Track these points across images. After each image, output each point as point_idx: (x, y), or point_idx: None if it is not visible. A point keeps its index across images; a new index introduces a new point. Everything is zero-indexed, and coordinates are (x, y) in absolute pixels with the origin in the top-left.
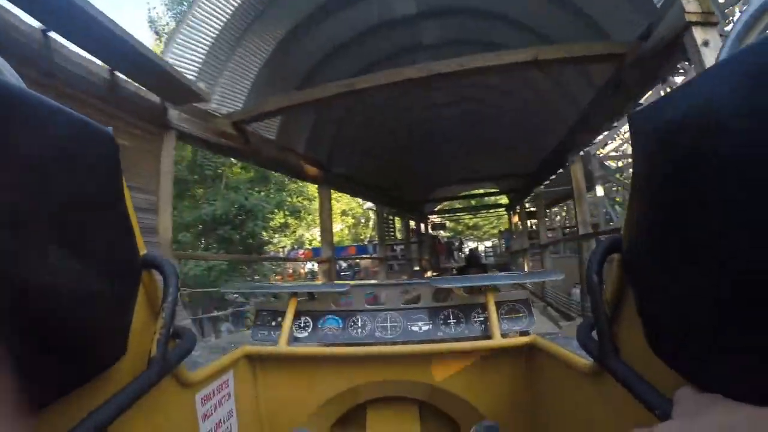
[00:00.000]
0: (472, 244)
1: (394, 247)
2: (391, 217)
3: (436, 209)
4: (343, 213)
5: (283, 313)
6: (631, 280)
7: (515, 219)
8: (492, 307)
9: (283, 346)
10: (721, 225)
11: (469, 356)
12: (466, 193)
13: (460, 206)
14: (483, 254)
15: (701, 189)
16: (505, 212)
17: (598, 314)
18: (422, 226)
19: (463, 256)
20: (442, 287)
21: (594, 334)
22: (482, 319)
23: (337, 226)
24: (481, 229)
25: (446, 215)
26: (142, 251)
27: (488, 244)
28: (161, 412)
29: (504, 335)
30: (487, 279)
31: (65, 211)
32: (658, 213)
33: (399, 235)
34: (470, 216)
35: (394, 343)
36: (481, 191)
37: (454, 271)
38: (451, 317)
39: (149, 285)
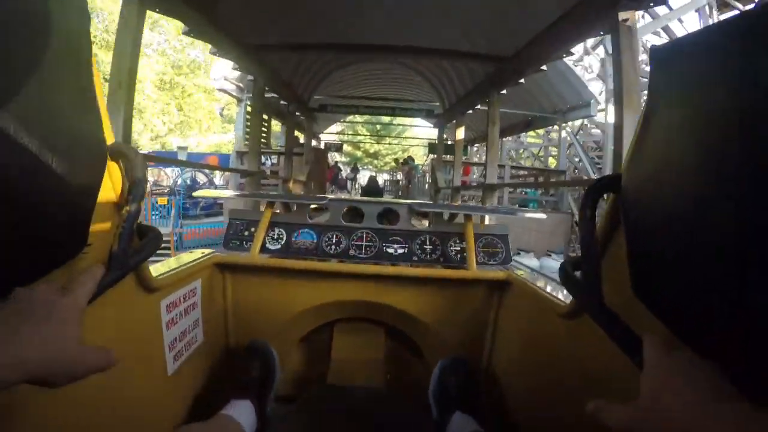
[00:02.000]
0: (365, 175)
1: (264, 159)
2: (265, 118)
3: (332, 105)
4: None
5: (256, 223)
6: (626, 218)
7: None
8: (470, 238)
9: (254, 257)
10: (734, 172)
11: (442, 285)
12: (380, 99)
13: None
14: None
15: (718, 133)
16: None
17: (587, 252)
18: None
19: (357, 187)
20: (421, 211)
21: (577, 274)
22: (459, 248)
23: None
24: (382, 159)
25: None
26: (110, 140)
27: (386, 177)
28: (123, 315)
29: (479, 268)
30: (468, 208)
31: (28, 83)
32: (671, 150)
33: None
34: (372, 140)
35: (368, 263)
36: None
37: None
38: (428, 243)
39: (115, 177)
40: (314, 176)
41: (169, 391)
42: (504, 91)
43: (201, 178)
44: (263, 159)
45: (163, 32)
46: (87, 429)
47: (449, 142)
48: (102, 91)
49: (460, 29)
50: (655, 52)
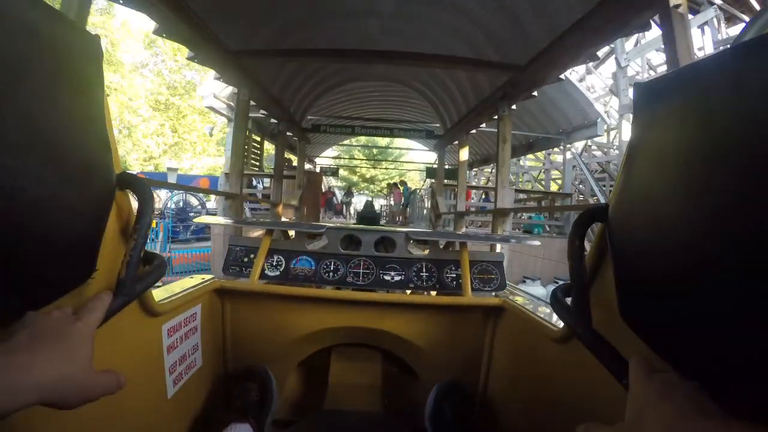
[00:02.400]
0: (361, 200)
1: (255, 182)
2: (257, 139)
3: (325, 125)
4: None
5: (255, 250)
6: (613, 246)
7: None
8: (465, 265)
9: (253, 283)
10: (717, 203)
11: (438, 311)
12: (376, 120)
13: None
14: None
15: (699, 167)
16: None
17: (577, 279)
18: (304, 163)
19: (353, 212)
20: (417, 239)
21: (568, 300)
22: (455, 275)
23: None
24: (379, 183)
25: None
26: (118, 170)
27: (383, 202)
28: (126, 338)
29: (474, 294)
30: (463, 236)
31: (42, 113)
32: (654, 182)
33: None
34: (368, 165)
35: (365, 290)
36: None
37: None
38: (424, 270)
39: (123, 206)
40: (307, 201)
41: (168, 414)
42: (514, 107)
43: (193, 201)
44: (255, 182)
45: (159, 52)
46: None
47: (447, 166)
48: (111, 120)
49: (467, 36)
50: (638, 88)
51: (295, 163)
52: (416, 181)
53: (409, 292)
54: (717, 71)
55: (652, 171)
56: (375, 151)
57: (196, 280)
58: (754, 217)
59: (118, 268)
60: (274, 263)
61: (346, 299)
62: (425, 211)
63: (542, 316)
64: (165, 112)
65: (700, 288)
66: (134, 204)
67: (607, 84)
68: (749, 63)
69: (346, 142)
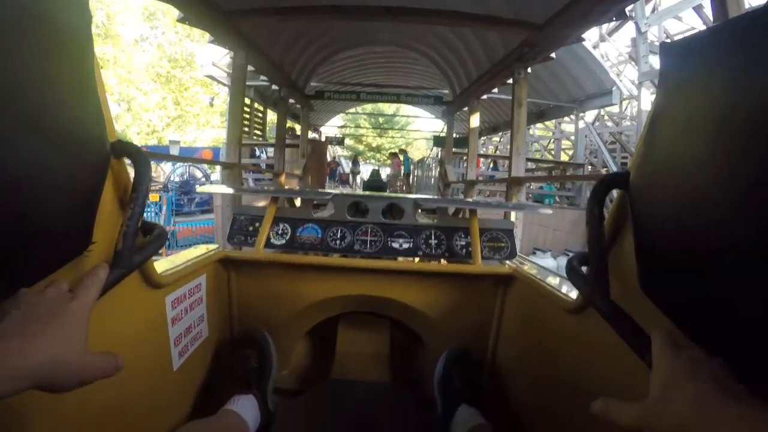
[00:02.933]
0: (368, 169)
1: (258, 151)
2: (260, 108)
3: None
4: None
5: (260, 218)
6: (634, 215)
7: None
8: (475, 232)
9: (259, 252)
10: (745, 170)
11: (447, 279)
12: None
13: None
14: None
15: (726, 132)
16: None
17: (595, 247)
18: (310, 133)
19: (359, 181)
20: (426, 206)
21: (584, 269)
22: (464, 243)
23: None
24: (386, 152)
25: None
26: (113, 137)
27: (389, 171)
28: (129, 311)
29: (484, 262)
30: (473, 203)
31: (28, 81)
32: (681, 151)
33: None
34: (375, 133)
35: (373, 258)
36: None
37: None
38: (433, 237)
39: (120, 175)
40: (312, 170)
41: (174, 387)
42: (530, 69)
43: (197, 173)
44: (258, 152)
45: (159, 25)
46: (94, 425)
47: (456, 135)
48: (104, 87)
49: None
50: (665, 49)
51: (298, 132)
52: (423, 149)
53: (417, 260)
54: (757, 28)
55: (678, 138)
56: (381, 119)
57: (200, 250)
58: None
59: (115, 239)
60: (280, 231)
61: (353, 267)
62: (433, 180)
63: (554, 285)
64: (167, 84)
65: (727, 264)
66: (132, 173)
67: (622, 52)
68: None
69: (352, 110)
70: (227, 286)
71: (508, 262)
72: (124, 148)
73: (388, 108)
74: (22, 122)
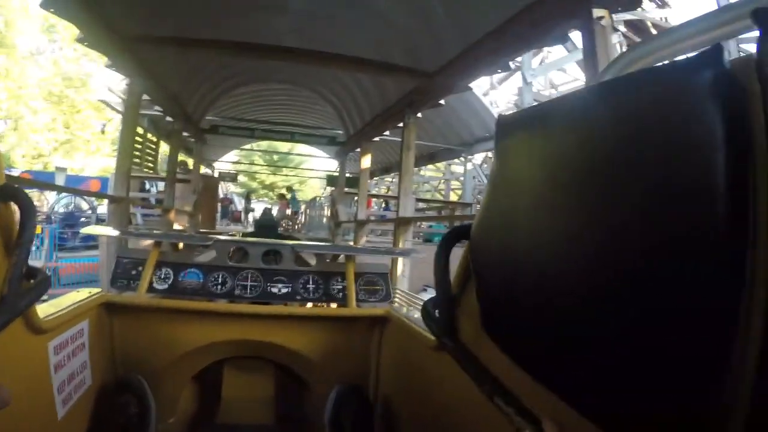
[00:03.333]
0: (261, 207)
1: (149, 185)
2: (152, 139)
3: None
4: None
5: (143, 262)
6: (474, 263)
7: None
8: (351, 277)
9: (141, 296)
10: (553, 224)
11: (326, 322)
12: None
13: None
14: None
15: (537, 191)
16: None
17: (442, 294)
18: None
19: (251, 219)
20: (303, 252)
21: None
22: (341, 287)
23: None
24: (279, 191)
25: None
26: (1, 181)
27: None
28: (10, 357)
29: (360, 305)
30: (349, 249)
31: None
32: (507, 205)
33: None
34: (269, 170)
35: (253, 303)
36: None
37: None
38: (311, 282)
39: (6, 218)
40: (203, 207)
41: None
42: (420, 114)
43: (83, 205)
44: (149, 185)
45: (57, 39)
46: None
47: (348, 175)
48: None
49: (378, 39)
50: (498, 121)
51: (191, 166)
52: (317, 189)
53: (297, 304)
54: (567, 109)
55: (506, 194)
56: (276, 157)
57: (82, 294)
58: (593, 238)
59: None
60: (163, 276)
61: (234, 312)
62: (325, 220)
63: (422, 326)
64: (58, 105)
65: (546, 303)
66: (17, 216)
67: (511, 100)
68: (595, 103)
69: (247, 147)
70: (110, 330)
71: (382, 303)
72: (11, 193)
73: (283, 146)
74: None
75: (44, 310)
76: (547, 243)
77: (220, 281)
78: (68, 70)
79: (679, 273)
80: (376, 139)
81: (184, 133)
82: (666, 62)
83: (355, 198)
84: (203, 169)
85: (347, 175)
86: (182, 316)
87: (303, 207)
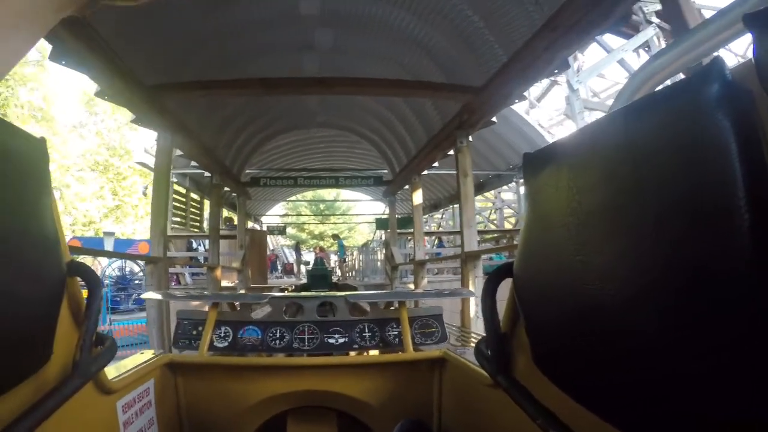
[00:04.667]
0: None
1: (195, 244)
2: (196, 198)
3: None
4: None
5: (203, 322)
6: (520, 299)
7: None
8: (405, 322)
9: (203, 355)
10: (589, 258)
11: (383, 368)
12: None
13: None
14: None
15: (570, 224)
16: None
17: (490, 333)
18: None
19: (303, 270)
20: (356, 302)
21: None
22: (396, 332)
23: None
24: (329, 239)
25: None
26: (67, 258)
27: (334, 257)
28: (82, 419)
29: (417, 348)
30: (401, 295)
31: None
32: (541, 238)
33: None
34: (317, 220)
35: (312, 355)
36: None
37: (290, 289)
38: (366, 330)
39: (73, 291)
40: (252, 262)
41: None
42: (471, 138)
43: (135, 267)
44: (195, 244)
45: (98, 111)
46: None
47: (398, 215)
48: (59, 213)
49: (412, 62)
50: (525, 159)
51: (236, 222)
52: (366, 234)
53: (354, 353)
54: (587, 140)
55: (541, 229)
56: (322, 206)
57: (147, 355)
58: (627, 269)
59: (72, 351)
60: (222, 334)
61: (293, 365)
62: (379, 264)
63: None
64: (105, 173)
65: (595, 334)
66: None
67: (552, 116)
68: (614, 132)
69: (293, 198)
70: (174, 388)
71: (439, 345)
72: (77, 268)
73: (329, 194)
74: None
75: (112, 371)
76: (587, 275)
77: (278, 336)
78: (111, 139)
79: (720, 295)
80: (426, 172)
81: (225, 189)
82: (671, 82)
83: (409, 237)
84: (250, 224)
85: (397, 215)
86: (243, 372)
87: (356, 253)
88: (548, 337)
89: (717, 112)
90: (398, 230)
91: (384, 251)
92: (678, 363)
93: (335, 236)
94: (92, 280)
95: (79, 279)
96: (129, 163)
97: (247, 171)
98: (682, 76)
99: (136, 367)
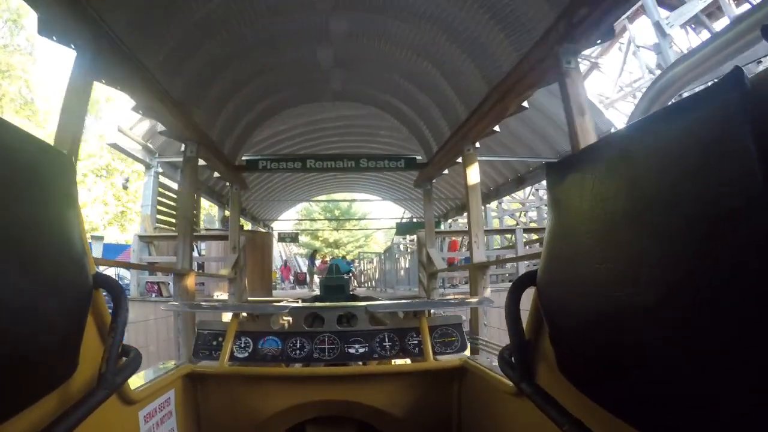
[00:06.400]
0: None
1: (198, 246)
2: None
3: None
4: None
5: (223, 333)
6: (543, 307)
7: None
8: (425, 331)
9: (223, 366)
10: (613, 264)
11: (403, 377)
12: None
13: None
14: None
15: (603, 232)
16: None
17: (515, 340)
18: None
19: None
20: (377, 312)
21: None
22: (417, 341)
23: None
24: (343, 247)
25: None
26: (93, 270)
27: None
28: (106, 429)
29: (437, 357)
30: (421, 305)
31: (21, 230)
32: (565, 246)
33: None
34: (332, 226)
35: (332, 365)
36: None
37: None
38: (387, 340)
39: (98, 303)
40: (253, 270)
41: None
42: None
43: (122, 272)
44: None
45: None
46: None
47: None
48: (84, 225)
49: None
50: (549, 168)
51: (243, 224)
52: (381, 244)
53: (375, 362)
54: (612, 149)
55: (566, 238)
56: (337, 212)
57: (168, 365)
58: (650, 276)
59: (98, 362)
60: (242, 345)
61: (313, 375)
62: (402, 272)
63: (500, 373)
64: (108, 178)
65: (621, 340)
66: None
67: (622, 85)
68: (638, 141)
69: (306, 205)
70: (195, 398)
71: (459, 354)
72: (103, 281)
73: (344, 202)
74: (16, 265)
75: (132, 382)
76: (612, 281)
77: (298, 346)
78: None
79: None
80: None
81: (216, 175)
82: (692, 92)
83: (445, 239)
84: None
85: (413, 219)
86: (264, 382)
87: (375, 261)
88: (573, 344)
89: (740, 119)
90: (411, 237)
91: (408, 257)
92: (709, 370)
93: (343, 258)
94: (118, 292)
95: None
96: (134, 167)
97: (245, 158)
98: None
99: (157, 377)
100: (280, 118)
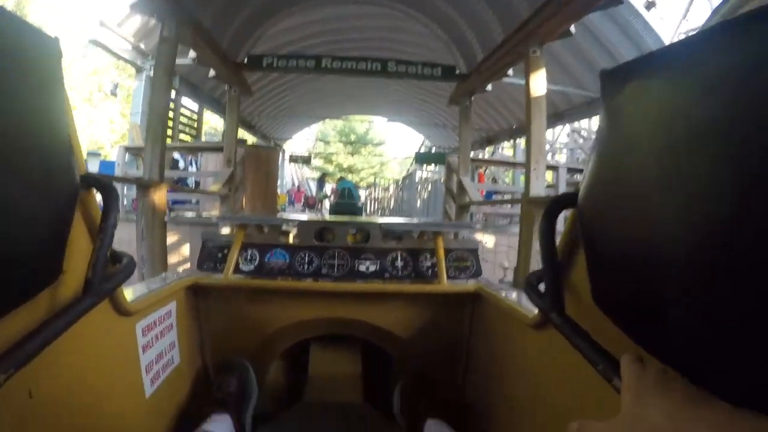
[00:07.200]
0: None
1: (181, 161)
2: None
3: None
4: None
5: (229, 245)
6: (584, 232)
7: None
8: (441, 253)
9: (228, 278)
10: (687, 191)
11: (414, 299)
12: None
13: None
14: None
15: (668, 152)
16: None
17: (548, 265)
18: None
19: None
20: (392, 230)
21: (542, 286)
22: (430, 264)
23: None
24: (357, 173)
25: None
26: (83, 169)
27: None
28: (100, 340)
29: (450, 282)
30: (437, 225)
31: None
32: (624, 169)
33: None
34: (347, 151)
35: (340, 281)
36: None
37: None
38: (399, 260)
39: (88, 205)
40: (255, 190)
41: (147, 414)
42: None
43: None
44: (182, 162)
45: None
46: None
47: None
48: (74, 122)
49: None
50: (604, 75)
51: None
52: (396, 173)
53: (384, 282)
54: (686, 56)
55: (619, 156)
56: (353, 137)
57: (170, 277)
58: (722, 203)
59: (85, 269)
60: (248, 257)
61: (321, 290)
62: (419, 203)
63: (518, 301)
64: (116, 96)
65: (668, 274)
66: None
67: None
68: (718, 46)
69: (321, 127)
70: (197, 311)
71: (473, 280)
72: (93, 180)
73: (360, 126)
74: None
75: (132, 293)
76: (669, 208)
77: (306, 260)
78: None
79: None
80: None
81: (212, 74)
82: None
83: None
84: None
85: (433, 149)
86: (269, 296)
87: (392, 188)
88: (615, 273)
89: None
90: (431, 169)
91: (429, 187)
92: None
93: (340, 179)
94: (109, 192)
95: (95, 192)
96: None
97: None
98: None
99: (157, 288)
100: (292, 14)
